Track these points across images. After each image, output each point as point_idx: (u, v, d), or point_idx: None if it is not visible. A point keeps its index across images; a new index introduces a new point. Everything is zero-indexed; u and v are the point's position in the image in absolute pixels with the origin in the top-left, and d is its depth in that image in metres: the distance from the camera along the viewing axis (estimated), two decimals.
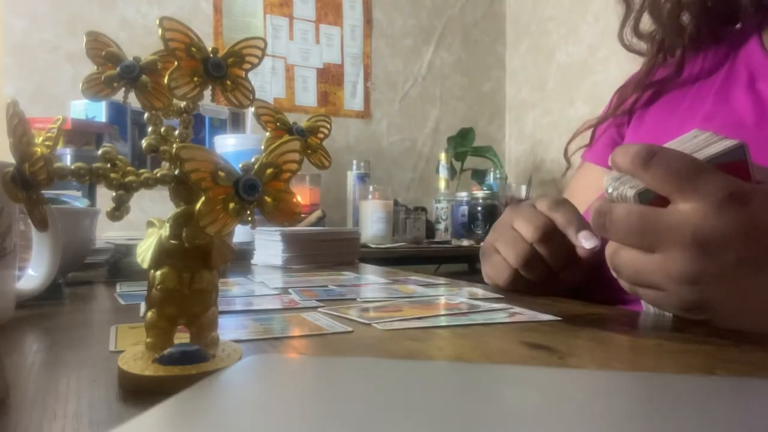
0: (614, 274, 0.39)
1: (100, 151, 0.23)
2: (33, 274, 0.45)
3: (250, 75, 0.26)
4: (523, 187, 2.03)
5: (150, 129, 0.26)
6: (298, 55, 2.24)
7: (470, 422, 0.14)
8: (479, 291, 0.54)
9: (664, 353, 0.32)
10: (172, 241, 0.25)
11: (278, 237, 0.86)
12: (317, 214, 1.26)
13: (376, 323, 0.38)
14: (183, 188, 0.24)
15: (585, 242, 0.45)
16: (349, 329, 0.37)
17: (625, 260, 0.37)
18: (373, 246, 1.72)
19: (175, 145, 0.23)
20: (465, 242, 1.95)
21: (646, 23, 0.62)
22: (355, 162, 2.05)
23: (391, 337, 0.35)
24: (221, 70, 0.25)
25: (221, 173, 0.23)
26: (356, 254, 0.95)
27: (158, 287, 0.25)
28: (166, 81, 0.24)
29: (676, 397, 0.17)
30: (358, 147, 2.31)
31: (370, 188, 1.85)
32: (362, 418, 0.15)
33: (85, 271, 0.68)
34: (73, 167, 0.23)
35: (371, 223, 1.79)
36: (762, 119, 0.50)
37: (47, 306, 0.47)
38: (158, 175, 0.24)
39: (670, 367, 0.29)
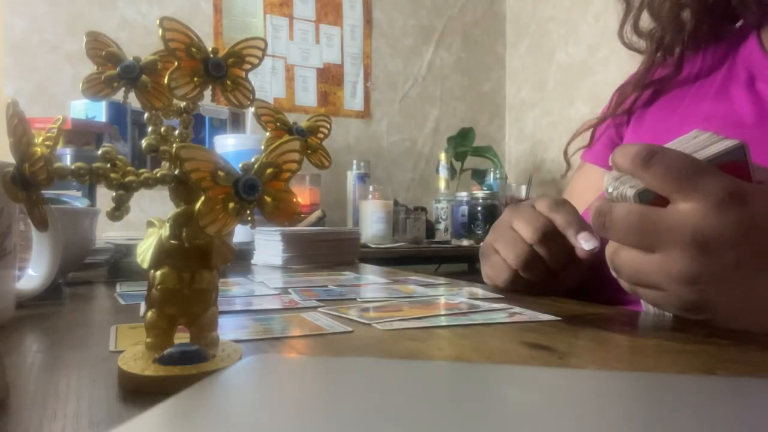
0: (614, 274, 0.39)
1: (100, 151, 0.23)
2: (33, 274, 0.45)
3: (250, 75, 0.26)
4: (523, 187, 2.03)
5: (150, 129, 0.26)
6: (298, 55, 2.24)
7: (470, 422, 0.14)
8: (479, 291, 0.54)
9: (664, 353, 0.32)
10: (172, 241, 0.25)
11: (278, 237, 0.86)
12: (317, 214, 1.26)
13: (376, 323, 0.38)
14: (183, 188, 0.24)
15: (584, 243, 0.45)
16: (349, 329, 0.37)
17: (625, 260, 0.37)
18: (373, 246, 1.72)
19: (175, 145, 0.23)
20: (465, 242, 1.95)
21: (646, 21, 0.62)
22: (355, 162, 2.05)
23: (391, 337, 0.35)
24: (221, 70, 0.25)
25: (221, 173, 0.23)
26: (356, 254, 0.95)
27: (158, 287, 0.25)
28: (166, 81, 0.24)
29: (676, 397, 0.17)
30: (358, 147, 2.31)
31: (370, 188, 1.85)
32: (362, 418, 0.15)
33: (85, 271, 0.68)
34: (73, 167, 0.23)
35: (371, 223, 1.79)
36: (762, 119, 0.50)
37: (47, 306, 0.47)
38: (158, 175, 0.24)
39: (670, 367, 0.29)
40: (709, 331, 0.35)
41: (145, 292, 0.26)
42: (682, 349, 0.32)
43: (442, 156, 2.18)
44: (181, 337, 0.26)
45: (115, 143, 1.16)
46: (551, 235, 0.48)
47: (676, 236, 0.33)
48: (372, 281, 0.66)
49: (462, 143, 2.27)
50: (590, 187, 0.63)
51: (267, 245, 0.89)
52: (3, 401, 0.23)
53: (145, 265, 0.25)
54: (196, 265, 0.25)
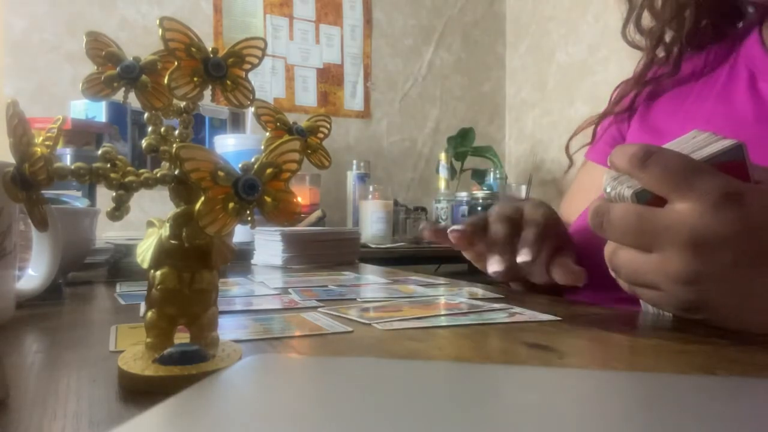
0: (613, 274, 0.39)
1: (100, 151, 0.23)
2: (33, 274, 0.45)
3: (250, 75, 0.26)
4: (523, 187, 2.03)
5: (150, 129, 0.26)
6: (298, 55, 2.24)
7: (470, 422, 0.14)
8: (479, 291, 0.54)
9: (664, 353, 0.32)
10: (172, 241, 0.25)
11: (278, 237, 0.86)
12: (317, 214, 1.26)
13: (376, 323, 0.38)
14: (183, 188, 0.24)
15: (489, 267, 0.45)
16: (349, 329, 0.37)
17: (623, 260, 0.37)
18: (373, 246, 1.72)
19: (175, 145, 0.23)
20: None
21: (648, 19, 0.62)
22: (355, 162, 2.05)
23: (391, 337, 0.35)
24: (221, 70, 0.25)
25: (221, 173, 0.23)
26: (356, 254, 0.95)
27: (158, 287, 0.25)
28: (166, 81, 0.24)
29: (676, 397, 0.17)
30: (358, 147, 2.31)
31: (370, 188, 1.85)
32: (362, 418, 0.15)
33: (85, 271, 0.68)
34: (73, 167, 0.23)
35: (371, 223, 1.79)
36: (763, 118, 0.50)
37: (47, 306, 0.47)
38: (158, 175, 0.24)
39: (669, 367, 0.29)
40: (708, 331, 0.35)
41: (145, 292, 0.26)
42: (681, 349, 0.32)
43: (442, 156, 2.18)
44: (181, 337, 0.26)
45: (115, 143, 1.16)
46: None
47: (674, 236, 0.33)
48: (372, 281, 0.66)
49: (462, 143, 2.27)
50: (593, 185, 0.63)
51: (267, 245, 0.89)
52: (3, 401, 0.23)
53: (145, 265, 0.25)
54: (196, 265, 0.25)
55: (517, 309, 0.43)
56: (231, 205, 0.23)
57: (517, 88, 2.57)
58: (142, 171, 0.24)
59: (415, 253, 1.81)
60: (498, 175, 2.21)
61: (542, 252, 0.49)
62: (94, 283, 0.64)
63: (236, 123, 1.53)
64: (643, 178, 0.34)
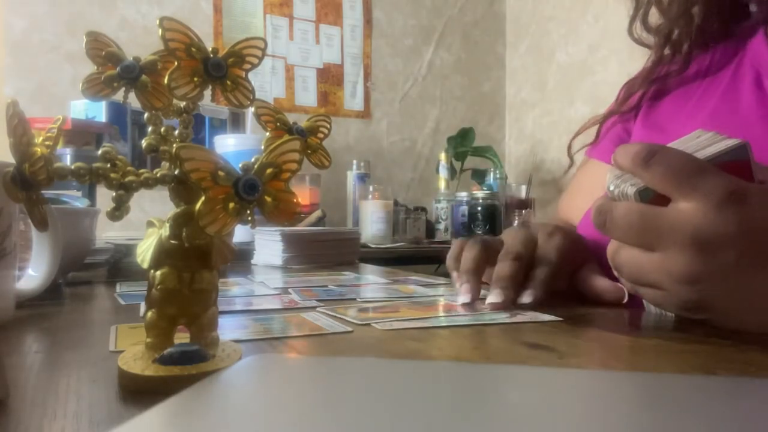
0: (616, 274, 0.39)
1: (100, 151, 0.23)
2: (33, 274, 0.45)
3: (250, 75, 0.26)
4: (523, 187, 2.02)
5: (150, 129, 0.26)
6: (298, 55, 2.24)
7: (470, 422, 0.14)
8: None
9: (664, 353, 0.32)
10: (172, 241, 0.25)
11: (278, 237, 0.86)
12: (317, 214, 1.26)
13: (376, 323, 0.38)
14: (183, 188, 0.24)
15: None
16: (349, 329, 0.37)
17: (625, 259, 0.37)
18: (373, 246, 1.72)
19: (175, 145, 0.23)
20: None
21: (655, 17, 0.62)
22: (355, 162, 2.05)
23: (391, 337, 0.35)
24: (221, 70, 0.25)
25: (221, 173, 0.23)
26: (356, 254, 0.95)
27: (158, 287, 0.25)
28: (166, 81, 0.24)
29: (676, 397, 0.17)
30: (358, 147, 2.31)
31: (370, 188, 1.85)
32: (362, 418, 0.15)
33: (85, 271, 0.68)
34: (73, 167, 0.23)
35: (371, 223, 1.79)
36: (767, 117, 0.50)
37: (47, 306, 0.47)
38: (158, 175, 0.24)
39: (669, 367, 0.29)
40: (708, 331, 0.35)
41: (145, 292, 0.26)
42: (681, 349, 0.32)
43: (442, 156, 2.18)
44: (181, 337, 0.26)
45: (115, 143, 1.16)
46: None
47: (676, 236, 0.33)
48: (372, 281, 0.66)
49: (462, 143, 2.27)
50: (595, 183, 0.62)
51: (267, 245, 0.89)
52: (3, 401, 0.23)
53: (145, 265, 0.25)
54: (196, 265, 0.25)
55: (517, 309, 0.43)
56: (231, 205, 0.23)
57: (517, 88, 2.57)
58: (142, 171, 0.24)
59: (415, 253, 1.81)
60: (498, 175, 2.20)
61: (558, 282, 0.49)
62: (94, 283, 0.64)
63: (236, 123, 1.53)
64: (647, 176, 0.34)
